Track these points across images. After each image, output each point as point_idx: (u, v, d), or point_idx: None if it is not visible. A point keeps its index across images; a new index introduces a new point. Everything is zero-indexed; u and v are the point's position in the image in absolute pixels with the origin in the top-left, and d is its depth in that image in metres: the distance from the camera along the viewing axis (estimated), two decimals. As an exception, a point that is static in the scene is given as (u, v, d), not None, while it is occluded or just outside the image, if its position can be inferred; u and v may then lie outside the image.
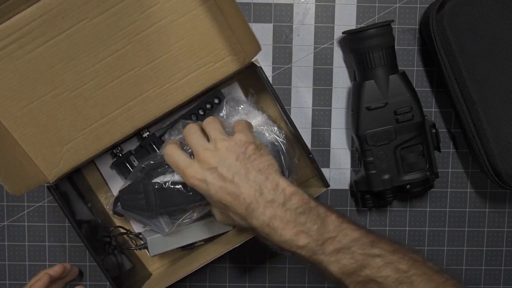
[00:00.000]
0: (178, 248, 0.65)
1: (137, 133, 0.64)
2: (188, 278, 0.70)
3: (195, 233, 0.65)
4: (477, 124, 0.64)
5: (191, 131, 0.55)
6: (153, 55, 0.57)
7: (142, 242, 0.65)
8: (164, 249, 0.64)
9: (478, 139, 0.64)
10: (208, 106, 0.64)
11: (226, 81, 0.64)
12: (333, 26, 0.68)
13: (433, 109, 0.70)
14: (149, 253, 0.64)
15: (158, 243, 0.64)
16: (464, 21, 0.62)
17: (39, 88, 0.57)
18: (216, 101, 0.64)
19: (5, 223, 0.69)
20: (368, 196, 0.67)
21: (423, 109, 0.64)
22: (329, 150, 0.70)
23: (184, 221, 0.61)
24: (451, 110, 0.69)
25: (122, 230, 0.67)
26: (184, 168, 0.53)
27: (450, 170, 0.71)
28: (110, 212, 0.67)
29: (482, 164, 0.65)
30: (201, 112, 0.64)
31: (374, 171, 0.64)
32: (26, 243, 0.70)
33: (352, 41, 0.65)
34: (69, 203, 0.61)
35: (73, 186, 0.64)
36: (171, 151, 0.55)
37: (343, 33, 0.66)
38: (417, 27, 0.69)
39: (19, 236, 0.70)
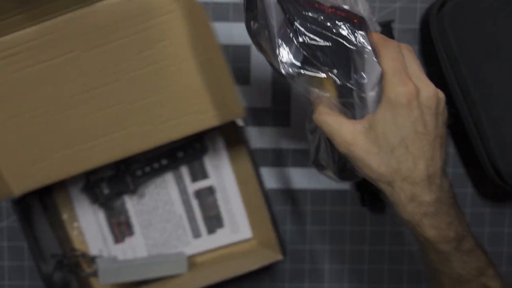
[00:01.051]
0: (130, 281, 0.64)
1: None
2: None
3: (150, 270, 0.65)
4: (478, 124, 0.62)
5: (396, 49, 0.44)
6: (142, 94, 0.58)
7: (95, 269, 0.65)
8: (115, 280, 0.63)
9: (479, 139, 0.63)
10: (189, 150, 0.65)
11: (209, 131, 0.64)
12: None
13: (433, 109, 0.68)
14: (99, 281, 0.64)
15: (111, 272, 0.63)
16: (465, 21, 0.61)
17: (19, 105, 0.57)
18: (198, 146, 0.65)
19: (5, 223, 0.69)
20: (368, 196, 0.67)
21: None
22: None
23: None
24: (451, 110, 0.68)
25: (78, 252, 0.67)
26: (399, 71, 0.43)
27: (450, 170, 0.69)
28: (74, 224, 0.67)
29: (482, 164, 0.64)
30: (180, 155, 0.64)
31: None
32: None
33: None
34: (30, 216, 0.61)
35: (39, 198, 0.64)
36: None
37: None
38: (417, 27, 0.68)
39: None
